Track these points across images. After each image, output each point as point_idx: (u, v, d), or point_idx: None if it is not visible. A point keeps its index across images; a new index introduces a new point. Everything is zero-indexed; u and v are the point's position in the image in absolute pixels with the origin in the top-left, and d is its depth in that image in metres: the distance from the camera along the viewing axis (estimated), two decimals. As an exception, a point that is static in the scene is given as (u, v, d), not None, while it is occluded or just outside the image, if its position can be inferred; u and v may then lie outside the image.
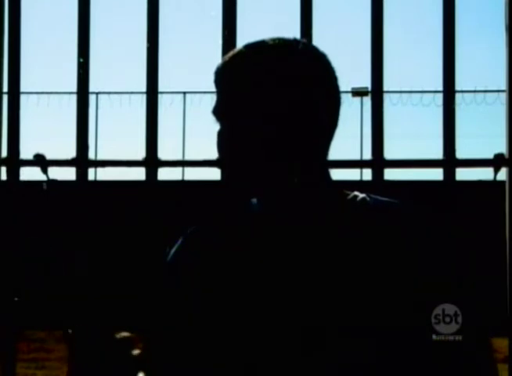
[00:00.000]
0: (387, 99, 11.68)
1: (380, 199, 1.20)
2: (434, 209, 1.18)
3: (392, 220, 1.15)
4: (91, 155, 1.72)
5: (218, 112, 1.17)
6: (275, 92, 1.14)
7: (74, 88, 1.72)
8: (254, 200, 1.23)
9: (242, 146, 1.15)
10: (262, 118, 1.13)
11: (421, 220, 1.15)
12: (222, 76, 1.18)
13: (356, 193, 1.21)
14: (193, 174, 11.82)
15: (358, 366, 1.09)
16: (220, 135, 1.17)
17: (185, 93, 13.43)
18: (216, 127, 1.19)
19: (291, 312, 1.11)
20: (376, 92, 1.71)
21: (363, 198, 1.19)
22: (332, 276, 1.11)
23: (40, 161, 1.72)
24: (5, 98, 1.74)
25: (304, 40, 1.27)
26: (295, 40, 1.20)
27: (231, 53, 1.19)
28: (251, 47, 1.18)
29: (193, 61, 21.08)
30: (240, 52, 1.18)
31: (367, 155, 1.70)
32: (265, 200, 1.20)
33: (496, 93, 12.45)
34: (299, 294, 1.12)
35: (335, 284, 1.11)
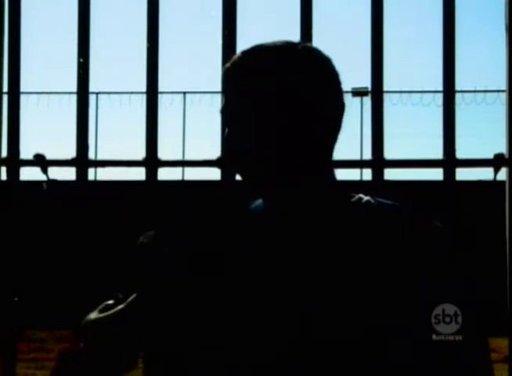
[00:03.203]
0: (387, 99, 11.68)
1: (384, 202, 1.20)
2: (436, 210, 1.19)
3: (396, 223, 1.15)
4: (91, 155, 1.72)
5: (223, 113, 1.19)
6: (274, 94, 1.14)
7: (74, 88, 1.72)
8: (259, 201, 1.23)
9: (243, 147, 1.16)
10: (263, 120, 1.14)
11: (423, 223, 1.15)
12: (226, 77, 1.19)
13: (361, 195, 1.21)
14: (193, 174, 11.84)
15: (359, 366, 1.09)
16: (224, 135, 1.19)
17: (185, 93, 13.44)
18: (218, 127, 1.20)
19: (292, 313, 1.11)
20: (376, 92, 1.71)
21: (368, 201, 1.20)
22: (334, 277, 1.12)
23: (40, 161, 1.72)
24: (5, 98, 1.74)
25: (309, 44, 1.28)
26: (298, 43, 1.21)
27: (236, 55, 1.21)
28: (253, 49, 1.19)
29: (193, 61, 21.09)
30: (242, 54, 1.19)
31: (367, 155, 1.70)
32: (267, 201, 1.21)
33: (496, 93, 12.46)
34: (300, 295, 1.12)
35: (337, 285, 1.11)
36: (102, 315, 1.16)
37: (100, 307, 1.19)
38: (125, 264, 1.23)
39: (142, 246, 1.22)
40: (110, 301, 1.19)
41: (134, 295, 1.16)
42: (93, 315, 1.18)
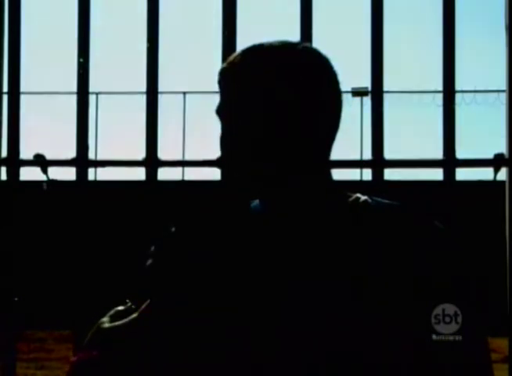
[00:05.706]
0: (387, 99, 11.66)
1: (382, 201, 1.20)
2: (435, 210, 1.19)
3: (393, 222, 1.15)
4: (91, 155, 1.72)
5: (219, 112, 1.19)
6: (273, 93, 1.14)
7: (74, 88, 1.73)
8: (256, 201, 1.23)
9: (241, 146, 1.16)
10: (260, 119, 1.14)
11: (423, 222, 1.15)
12: (223, 77, 1.19)
13: (358, 195, 1.21)
14: (193, 174, 11.84)
15: (358, 366, 1.09)
16: (221, 134, 1.19)
17: (185, 93, 13.44)
18: (218, 127, 1.20)
19: (289, 314, 1.11)
20: (376, 92, 1.72)
21: (365, 200, 1.19)
22: (332, 277, 1.11)
23: (40, 161, 1.72)
24: (5, 98, 1.74)
25: (307, 43, 1.28)
26: (296, 43, 1.20)
27: (233, 55, 1.20)
28: (251, 49, 1.19)
29: (193, 61, 21.09)
30: (240, 54, 1.19)
31: (367, 155, 1.71)
32: (264, 201, 1.21)
33: (496, 93, 12.46)
34: (298, 296, 1.12)
35: (335, 286, 1.11)
36: (116, 323, 1.15)
37: (111, 313, 1.18)
38: (135, 270, 1.22)
39: (153, 253, 1.22)
40: (121, 308, 1.18)
41: (146, 303, 1.16)
42: (106, 322, 1.16)
